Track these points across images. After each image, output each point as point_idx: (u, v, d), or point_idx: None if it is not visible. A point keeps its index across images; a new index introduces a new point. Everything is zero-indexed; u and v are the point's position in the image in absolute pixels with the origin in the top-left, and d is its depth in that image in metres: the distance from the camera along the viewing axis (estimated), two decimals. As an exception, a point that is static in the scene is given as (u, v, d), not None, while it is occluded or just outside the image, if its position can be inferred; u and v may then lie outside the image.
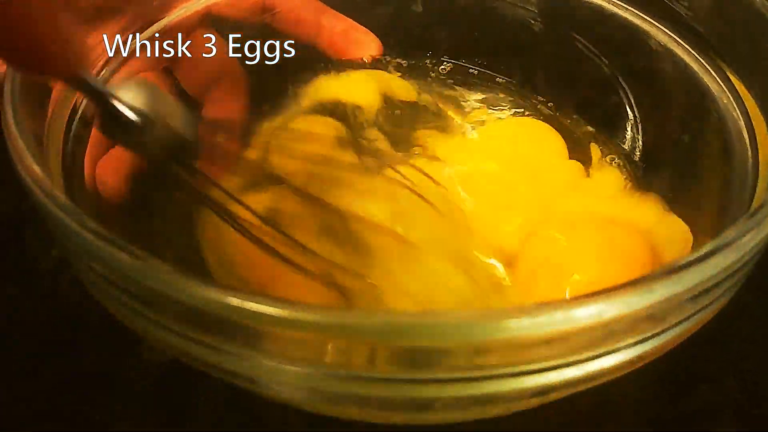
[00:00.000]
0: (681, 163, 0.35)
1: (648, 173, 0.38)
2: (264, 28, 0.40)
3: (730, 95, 0.33)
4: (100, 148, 0.33)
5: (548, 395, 0.22)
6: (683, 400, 0.34)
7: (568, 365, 0.20)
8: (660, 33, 0.37)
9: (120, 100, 0.26)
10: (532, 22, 0.42)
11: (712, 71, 0.34)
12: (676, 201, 0.35)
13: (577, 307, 0.19)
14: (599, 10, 0.39)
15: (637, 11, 0.38)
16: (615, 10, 0.39)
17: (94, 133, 0.33)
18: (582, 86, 0.41)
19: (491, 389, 0.20)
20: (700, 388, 0.34)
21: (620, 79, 0.39)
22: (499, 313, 0.19)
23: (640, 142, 0.38)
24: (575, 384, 0.21)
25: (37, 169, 0.24)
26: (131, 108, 0.26)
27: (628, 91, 0.39)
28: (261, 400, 0.31)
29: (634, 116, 0.39)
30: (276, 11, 0.40)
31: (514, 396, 0.21)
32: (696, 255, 0.20)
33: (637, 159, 0.39)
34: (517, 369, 0.20)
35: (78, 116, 0.32)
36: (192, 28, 0.39)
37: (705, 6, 0.35)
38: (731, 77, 0.33)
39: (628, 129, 0.39)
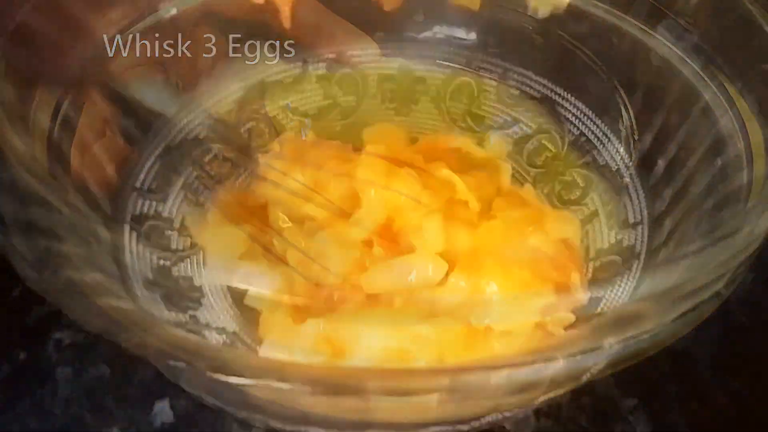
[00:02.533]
0: (675, 172, 0.35)
1: (641, 179, 0.37)
2: (263, 28, 0.40)
3: (727, 106, 0.33)
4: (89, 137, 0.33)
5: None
6: (670, 416, 0.33)
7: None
8: (660, 45, 0.37)
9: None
10: (529, 27, 0.41)
11: (709, 82, 0.34)
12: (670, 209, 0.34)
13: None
14: (600, 22, 0.39)
15: (636, 22, 0.38)
16: (614, 21, 0.38)
17: (83, 122, 0.33)
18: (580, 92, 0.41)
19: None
20: (691, 406, 0.33)
21: (617, 86, 0.39)
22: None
23: (634, 149, 0.38)
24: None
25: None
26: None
27: (626, 99, 0.38)
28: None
29: (630, 122, 0.38)
30: (276, 11, 0.40)
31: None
32: (692, 247, 0.19)
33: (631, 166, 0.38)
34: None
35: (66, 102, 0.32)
36: (188, 24, 0.38)
37: (705, 17, 0.35)
38: (728, 87, 0.33)
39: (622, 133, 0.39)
